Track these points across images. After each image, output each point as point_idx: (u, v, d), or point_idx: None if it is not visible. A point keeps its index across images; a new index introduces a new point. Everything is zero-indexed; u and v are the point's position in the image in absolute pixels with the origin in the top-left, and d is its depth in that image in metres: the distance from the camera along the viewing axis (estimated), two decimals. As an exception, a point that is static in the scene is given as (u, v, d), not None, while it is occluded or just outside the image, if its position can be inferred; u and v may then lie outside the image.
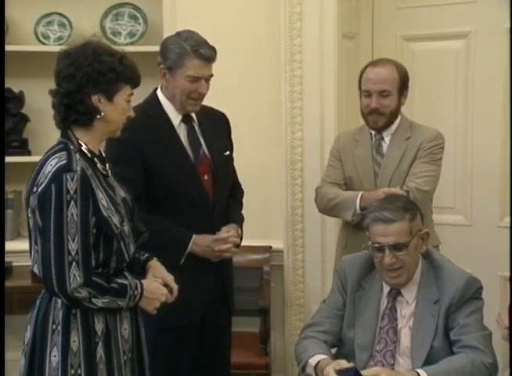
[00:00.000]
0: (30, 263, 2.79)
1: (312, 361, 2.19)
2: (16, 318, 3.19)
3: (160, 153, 2.44)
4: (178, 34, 2.50)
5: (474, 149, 3.35)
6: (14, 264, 3.36)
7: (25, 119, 3.68)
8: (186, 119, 2.53)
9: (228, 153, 2.64)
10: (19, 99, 3.66)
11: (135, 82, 2.04)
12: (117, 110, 2.00)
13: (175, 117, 2.51)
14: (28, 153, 3.65)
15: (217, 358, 2.61)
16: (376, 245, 2.21)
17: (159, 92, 2.54)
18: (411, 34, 3.44)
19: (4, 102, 3.50)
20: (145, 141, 2.43)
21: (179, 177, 2.45)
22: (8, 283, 3.02)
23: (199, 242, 2.46)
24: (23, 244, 3.41)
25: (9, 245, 3.32)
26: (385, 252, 2.20)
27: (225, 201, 2.60)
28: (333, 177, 2.84)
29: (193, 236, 2.46)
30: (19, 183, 3.48)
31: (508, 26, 3.13)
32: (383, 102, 2.70)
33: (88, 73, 1.94)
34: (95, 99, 1.96)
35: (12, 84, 3.59)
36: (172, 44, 2.46)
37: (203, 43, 2.45)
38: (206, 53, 2.43)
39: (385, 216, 2.19)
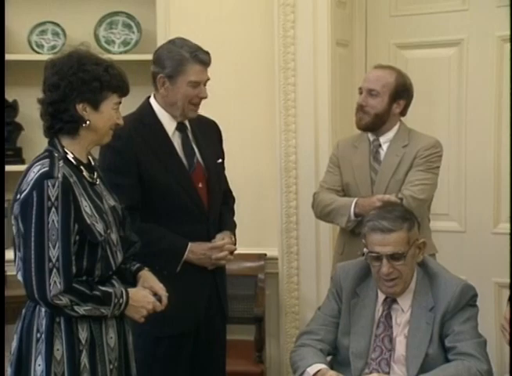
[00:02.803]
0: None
1: (311, 370, 2.19)
2: (10, 327, 3.17)
3: (154, 162, 2.44)
4: (171, 42, 2.51)
5: (468, 155, 3.36)
6: (8, 273, 3.34)
7: (19, 128, 3.68)
8: (181, 127, 2.53)
9: (220, 160, 2.65)
10: (13, 107, 3.65)
11: (122, 91, 2.03)
12: (103, 118, 2.00)
13: (170, 126, 2.50)
14: (22, 161, 3.63)
15: (213, 366, 2.60)
16: (374, 254, 2.21)
17: (152, 101, 2.53)
18: (404, 41, 3.46)
19: (4, 112, 3.49)
20: (139, 150, 2.43)
21: (174, 185, 2.45)
22: (2, 293, 3.00)
23: (195, 250, 2.46)
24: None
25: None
26: (383, 262, 2.20)
27: (218, 209, 2.60)
28: (331, 183, 2.85)
29: (189, 243, 2.46)
30: (12, 192, 3.46)
31: (500, 33, 3.15)
32: (369, 101, 2.70)
33: (72, 82, 1.94)
34: (79, 107, 1.96)
35: (6, 92, 3.56)
36: (169, 52, 2.45)
37: (199, 48, 2.47)
38: (204, 58, 2.45)
39: (383, 225, 2.19)
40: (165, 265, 2.35)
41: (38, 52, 3.61)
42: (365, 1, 3.55)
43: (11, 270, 3.29)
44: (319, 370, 2.18)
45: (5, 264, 3.23)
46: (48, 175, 1.89)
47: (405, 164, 2.72)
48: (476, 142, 3.34)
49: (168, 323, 2.32)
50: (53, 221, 1.87)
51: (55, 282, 1.86)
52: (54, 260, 1.87)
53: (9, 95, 3.61)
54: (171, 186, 2.44)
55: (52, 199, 1.87)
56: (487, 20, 3.25)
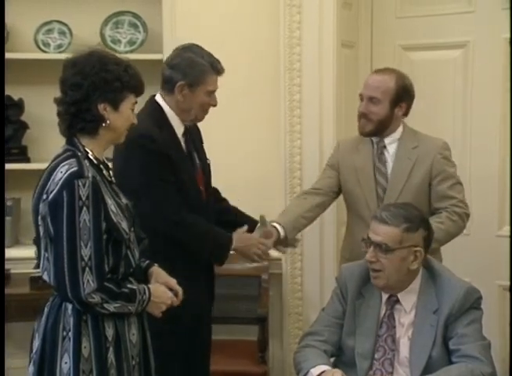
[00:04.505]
0: (28, 270, 2.80)
1: (314, 371, 2.19)
2: (14, 325, 3.19)
3: (177, 165, 2.45)
4: (189, 49, 2.49)
5: (472, 158, 3.35)
6: (12, 271, 3.35)
7: (24, 126, 3.68)
8: (185, 131, 2.54)
9: (209, 161, 2.67)
10: (19, 106, 3.66)
11: (139, 91, 2.06)
12: (122, 118, 2.02)
13: (179, 129, 2.52)
14: (27, 160, 3.64)
15: (203, 364, 2.62)
16: (366, 238, 2.28)
17: (161, 102, 2.51)
18: (410, 43, 3.46)
19: (4, 113, 3.50)
20: (168, 152, 2.43)
21: (191, 187, 2.49)
22: (6, 291, 3.01)
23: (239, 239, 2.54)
24: (21, 251, 3.44)
25: (8, 252, 3.31)
26: (370, 248, 2.25)
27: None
28: (319, 185, 2.86)
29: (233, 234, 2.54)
30: (18, 190, 3.48)
31: (506, 35, 3.15)
32: (371, 108, 2.68)
33: (95, 82, 1.96)
34: (101, 107, 1.98)
35: (12, 91, 3.59)
36: (192, 61, 2.45)
37: (213, 57, 2.50)
38: (220, 68, 2.49)
39: (381, 216, 2.25)
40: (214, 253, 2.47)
41: (45, 51, 3.62)
42: (371, 3, 3.56)
43: (15, 268, 3.33)
44: (322, 372, 2.18)
45: (10, 261, 3.25)
46: (78, 174, 1.90)
47: (420, 169, 2.68)
48: (481, 145, 3.33)
49: (173, 320, 2.33)
50: (85, 220, 1.88)
51: (88, 281, 1.88)
52: (86, 259, 1.89)
53: (15, 94, 3.63)
54: (189, 188, 2.48)
55: (83, 198, 1.88)
56: (493, 22, 3.25)
